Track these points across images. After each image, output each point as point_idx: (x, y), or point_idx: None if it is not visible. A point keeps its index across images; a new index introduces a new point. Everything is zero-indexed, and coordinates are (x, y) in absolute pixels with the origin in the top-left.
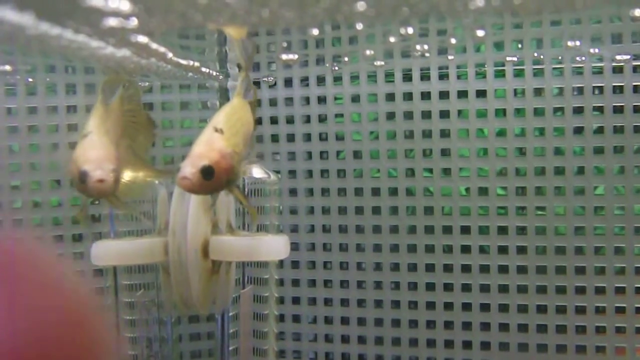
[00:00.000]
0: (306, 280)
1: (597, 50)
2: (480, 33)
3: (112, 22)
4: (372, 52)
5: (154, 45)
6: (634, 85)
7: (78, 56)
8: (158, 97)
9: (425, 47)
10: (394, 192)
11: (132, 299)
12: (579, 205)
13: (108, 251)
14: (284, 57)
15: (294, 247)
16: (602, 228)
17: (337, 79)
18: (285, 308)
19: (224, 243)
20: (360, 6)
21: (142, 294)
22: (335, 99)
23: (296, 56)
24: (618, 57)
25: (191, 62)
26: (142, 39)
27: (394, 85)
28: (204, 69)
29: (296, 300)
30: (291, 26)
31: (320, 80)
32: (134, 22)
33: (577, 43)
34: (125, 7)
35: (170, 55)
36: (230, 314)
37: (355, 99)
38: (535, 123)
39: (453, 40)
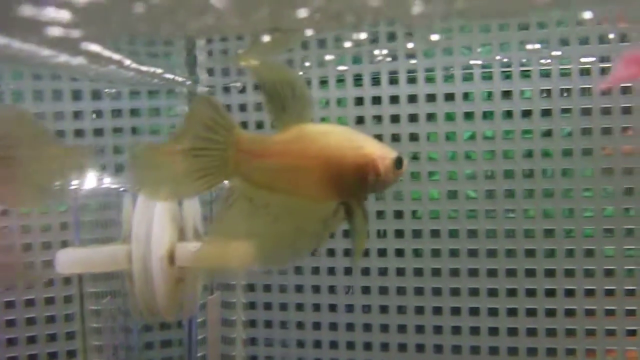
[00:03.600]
0: (277, 285)
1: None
2: (434, 37)
3: (54, 31)
4: (332, 56)
5: (107, 53)
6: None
7: (29, 64)
8: (127, 104)
9: (385, 51)
10: (380, 196)
11: (98, 306)
12: (548, 207)
13: (71, 259)
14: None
15: None
16: (573, 231)
17: (323, 83)
18: (257, 314)
19: (190, 250)
20: (302, 13)
21: (108, 302)
22: (321, 104)
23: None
24: (583, 60)
25: (152, 69)
26: (94, 47)
27: (362, 89)
28: (168, 76)
29: (267, 306)
30: (236, 33)
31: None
32: (76, 31)
33: (537, 46)
34: (65, 15)
35: (128, 62)
36: (199, 320)
37: (325, 103)
38: (505, 126)
39: (410, 45)
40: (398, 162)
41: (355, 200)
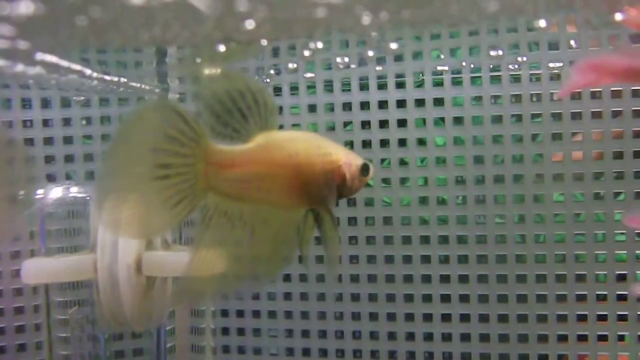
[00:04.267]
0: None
1: (524, 59)
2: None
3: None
4: (295, 65)
5: (65, 63)
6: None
7: None
8: (96, 111)
9: (346, 59)
10: (352, 203)
11: (65, 316)
12: (519, 213)
13: (37, 269)
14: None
15: None
16: (543, 236)
17: (277, 90)
18: (229, 321)
19: (158, 258)
20: (249, 24)
21: (76, 311)
22: (292, 111)
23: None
24: (552, 65)
25: (117, 78)
26: (50, 57)
27: (333, 95)
28: (134, 84)
29: (240, 314)
30: (185, 44)
31: (277, 90)
32: (23, 42)
33: (500, 52)
34: (7, 29)
35: (88, 72)
36: (168, 328)
37: (295, 109)
38: (474, 131)
39: (370, 53)
40: (364, 169)
41: (323, 207)
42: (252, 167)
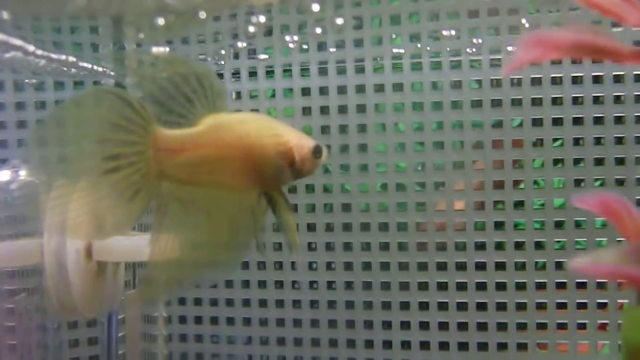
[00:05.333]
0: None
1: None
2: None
3: None
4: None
5: (1, 37)
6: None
7: None
8: (51, 95)
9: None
10: (311, 189)
11: (12, 304)
12: (499, 199)
13: None
14: None
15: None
16: (523, 223)
17: (252, 74)
18: (187, 309)
19: (108, 243)
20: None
21: (24, 299)
22: (251, 96)
23: None
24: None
25: (64, 57)
26: None
27: (309, 79)
28: (85, 64)
29: (197, 302)
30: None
31: (235, 74)
32: None
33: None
34: None
35: (31, 48)
36: (120, 317)
37: (271, 94)
38: (454, 116)
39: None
40: (317, 151)
41: (276, 189)
42: (202, 150)
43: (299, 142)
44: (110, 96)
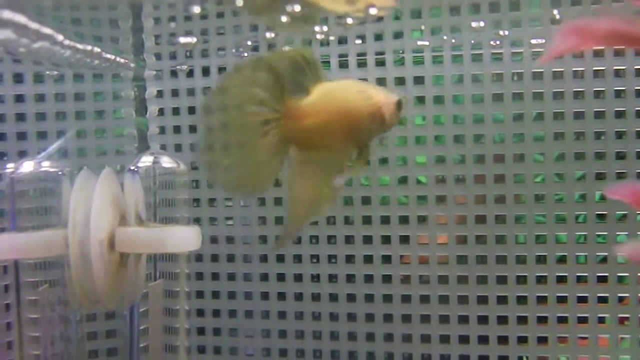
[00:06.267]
0: (225, 274)
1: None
2: None
3: None
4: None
5: (34, 25)
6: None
7: None
8: (70, 87)
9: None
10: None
11: (35, 296)
12: (499, 193)
13: (5, 244)
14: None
15: (214, 239)
16: (524, 217)
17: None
18: (205, 303)
19: (131, 234)
20: None
21: (46, 291)
22: None
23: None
24: (534, 42)
25: (90, 47)
26: (20, 18)
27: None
28: (109, 55)
29: (216, 295)
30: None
31: None
32: None
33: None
34: None
35: (60, 38)
36: (141, 309)
37: None
38: (435, 111)
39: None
40: (399, 105)
41: (366, 145)
42: (316, 118)
43: (386, 101)
44: (265, 65)
